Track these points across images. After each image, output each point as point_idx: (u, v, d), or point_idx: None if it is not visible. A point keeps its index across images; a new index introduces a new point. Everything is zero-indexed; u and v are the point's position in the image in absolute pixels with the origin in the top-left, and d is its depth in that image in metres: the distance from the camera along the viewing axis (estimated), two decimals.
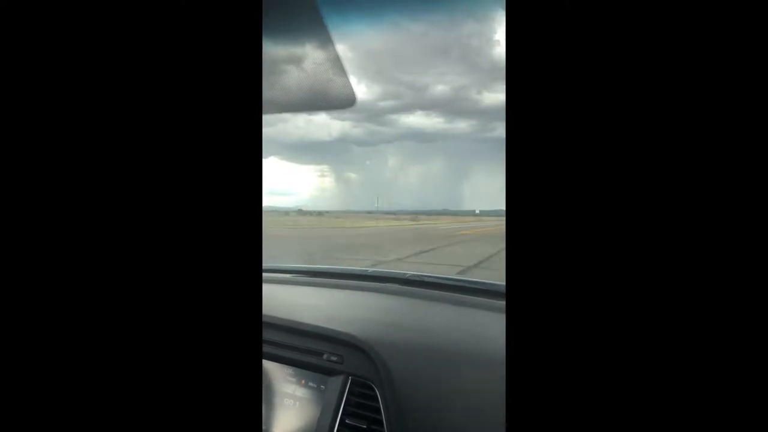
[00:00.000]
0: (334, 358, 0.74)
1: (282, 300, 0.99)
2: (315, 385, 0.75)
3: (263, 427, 0.76)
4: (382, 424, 0.65)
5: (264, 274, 1.20)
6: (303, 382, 0.76)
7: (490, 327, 0.78)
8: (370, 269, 1.17)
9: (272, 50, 0.56)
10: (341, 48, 0.57)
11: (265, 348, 0.82)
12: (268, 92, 0.60)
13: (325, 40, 0.52)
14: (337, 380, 0.72)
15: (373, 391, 0.68)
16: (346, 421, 0.68)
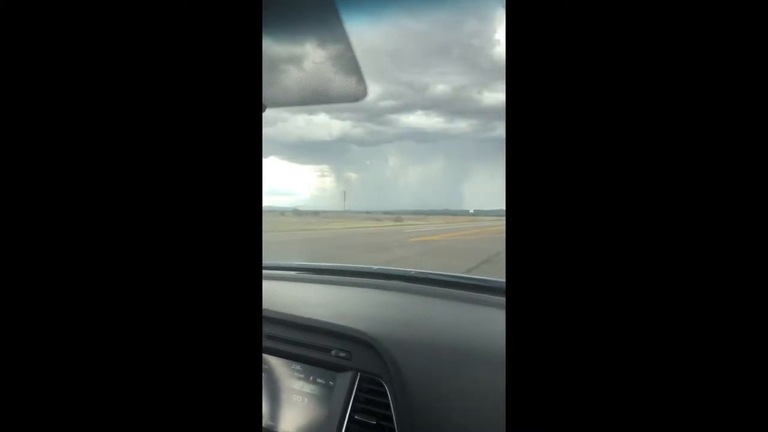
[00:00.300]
0: (342, 354, 0.74)
1: (288, 297, 0.99)
2: (323, 382, 0.74)
3: (271, 424, 0.76)
4: (392, 419, 0.65)
5: (269, 272, 1.21)
6: (311, 378, 0.76)
7: (496, 324, 0.78)
8: (375, 266, 1.17)
9: (282, 44, 0.56)
10: (341, 47, 0.57)
11: (273, 344, 0.82)
12: (279, 85, 0.60)
13: (338, 31, 0.52)
14: (346, 376, 0.72)
15: (382, 387, 0.68)
16: (356, 417, 0.68)
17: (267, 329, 0.84)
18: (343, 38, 0.54)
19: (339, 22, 0.52)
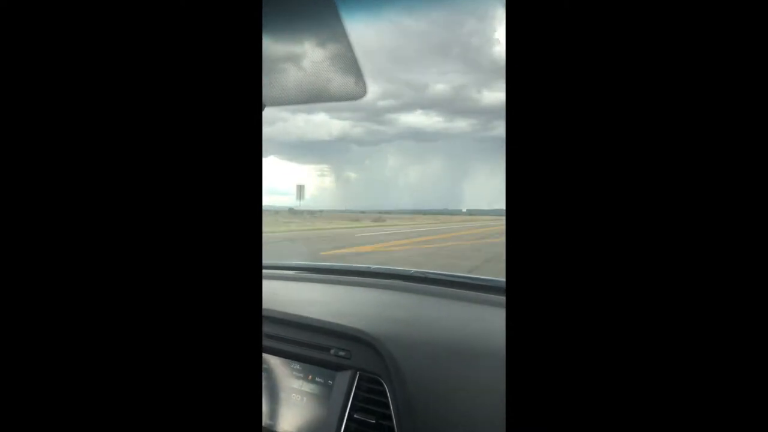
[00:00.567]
0: (341, 353, 0.74)
1: (287, 296, 0.99)
2: (322, 381, 0.74)
3: (271, 423, 0.76)
4: (391, 418, 0.65)
5: (269, 271, 1.21)
6: (310, 377, 0.76)
7: (495, 323, 0.78)
8: (374, 266, 1.17)
9: (283, 43, 0.56)
10: (340, 46, 0.57)
11: (272, 343, 0.82)
12: (278, 84, 0.60)
13: (337, 29, 0.52)
14: (345, 375, 0.72)
15: (382, 385, 0.68)
16: (355, 416, 0.68)
17: (266, 328, 0.84)
18: (342, 37, 0.54)
19: (338, 21, 0.52)
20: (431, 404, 0.63)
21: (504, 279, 0.94)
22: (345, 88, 0.61)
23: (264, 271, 1.23)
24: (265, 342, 0.82)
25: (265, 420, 0.76)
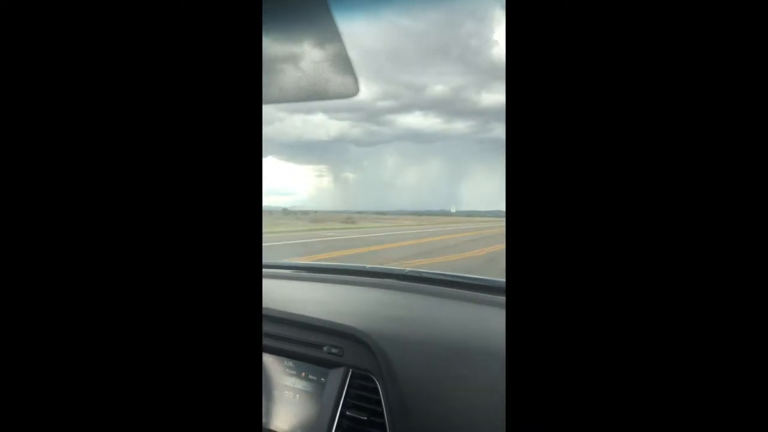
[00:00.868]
0: (334, 351, 0.74)
1: (282, 294, 0.99)
2: (315, 378, 0.75)
3: (264, 420, 0.76)
4: (383, 415, 0.65)
5: (265, 270, 1.21)
6: (303, 374, 0.76)
7: (487, 321, 0.79)
8: (368, 265, 1.17)
9: (276, 41, 0.56)
10: (338, 45, 0.57)
11: (265, 341, 0.82)
12: (274, 83, 0.60)
13: (330, 28, 0.52)
14: (338, 373, 0.72)
15: (374, 383, 0.68)
16: (347, 413, 0.68)
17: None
18: (335, 35, 0.54)
19: (331, 19, 0.52)
20: (423, 401, 0.63)
21: (498, 279, 0.95)
22: (338, 86, 0.61)
23: (264, 270, 1.23)
24: None
25: None
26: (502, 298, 0.86)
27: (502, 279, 0.94)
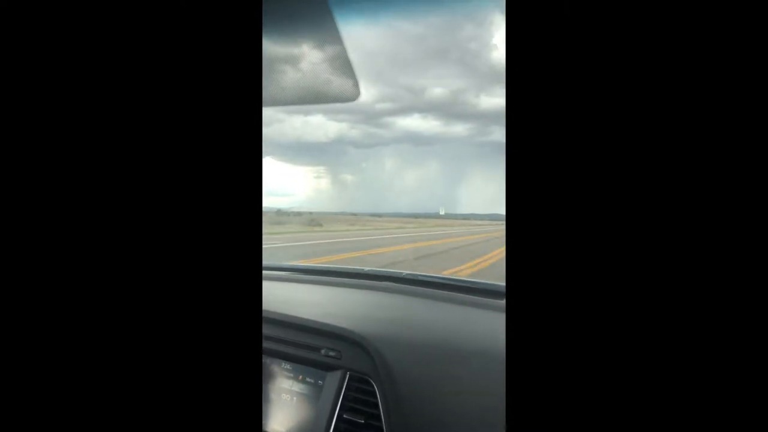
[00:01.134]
0: (332, 353, 0.74)
1: (279, 296, 0.99)
2: (313, 381, 0.75)
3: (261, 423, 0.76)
4: (380, 418, 0.65)
5: (265, 272, 1.20)
6: (300, 377, 0.76)
7: (485, 324, 0.79)
8: (367, 268, 1.17)
9: (278, 44, 0.56)
10: (338, 49, 0.58)
11: (263, 343, 0.82)
12: (276, 85, 0.61)
13: (332, 32, 0.52)
14: (335, 375, 0.72)
15: (371, 386, 0.68)
16: (344, 416, 0.68)
17: None
18: (337, 39, 0.54)
19: (333, 23, 0.52)
20: (420, 404, 0.63)
21: (495, 282, 0.95)
22: (339, 90, 0.62)
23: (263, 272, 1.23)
24: None
25: None
26: (500, 302, 0.86)
27: (500, 283, 0.94)
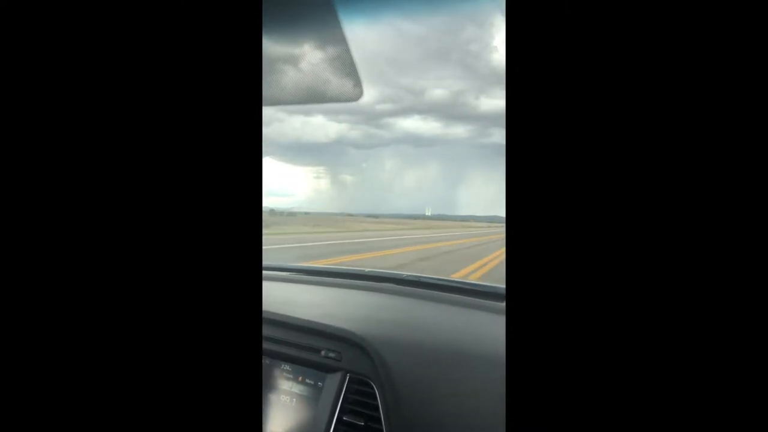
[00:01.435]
0: (332, 355, 0.74)
1: (279, 297, 0.99)
2: (312, 382, 0.74)
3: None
4: (380, 421, 0.65)
5: (265, 272, 1.20)
6: (300, 378, 0.76)
7: (487, 327, 0.79)
8: (367, 269, 1.17)
9: (282, 43, 0.56)
10: (342, 48, 0.58)
11: (263, 344, 0.81)
12: (275, 83, 0.60)
13: (335, 31, 0.52)
14: (335, 377, 0.72)
15: (371, 388, 0.68)
16: (344, 418, 0.68)
17: None
18: (340, 39, 0.54)
19: (337, 23, 0.52)
20: (420, 407, 0.63)
21: (497, 285, 0.95)
22: (342, 90, 0.61)
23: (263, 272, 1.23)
24: None
25: None
26: (501, 304, 0.86)
27: (500, 285, 0.94)
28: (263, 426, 0.74)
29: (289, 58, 0.59)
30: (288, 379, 0.77)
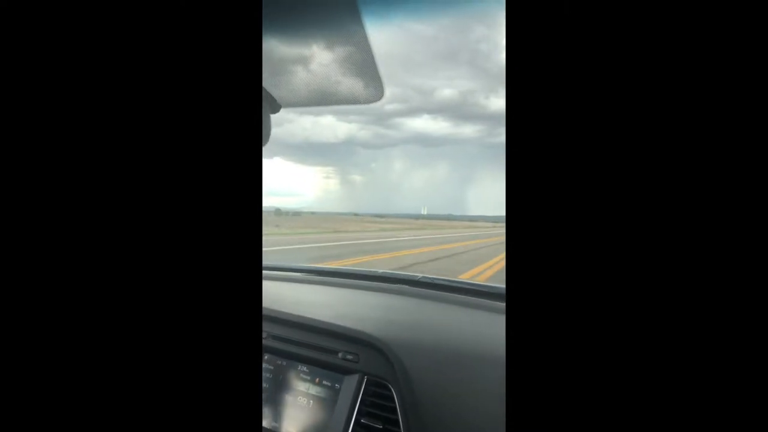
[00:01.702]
0: (349, 357, 0.73)
1: (294, 297, 0.99)
2: (330, 384, 0.74)
3: (276, 425, 0.75)
4: (398, 423, 0.64)
5: (276, 273, 1.21)
6: (317, 380, 0.75)
7: (502, 329, 0.78)
8: (380, 270, 1.17)
9: (300, 44, 0.56)
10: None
11: (280, 345, 0.81)
12: (294, 85, 0.60)
13: (357, 31, 0.52)
14: (353, 379, 0.72)
15: (389, 390, 0.68)
16: (362, 420, 0.67)
17: (274, 330, 0.84)
18: (362, 39, 0.54)
19: (359, 23, 0.51)
20: (439, 410, 0.62)
21: None
22: (363, 91, 0.61)
23: (270, 272, 1.23)
24: (272, 343, 0.82)
25: (270, 422, 0.75)
26: None
27: None
28: (280, 426, 0.74)
29: (310, 60, 0.59)
30: (305, 380, 0.77)
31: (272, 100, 0.61)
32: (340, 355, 0.74)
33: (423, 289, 1.01)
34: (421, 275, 1.09)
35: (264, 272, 1.23)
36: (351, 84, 0.60)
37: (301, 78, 0.62)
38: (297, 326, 0.82)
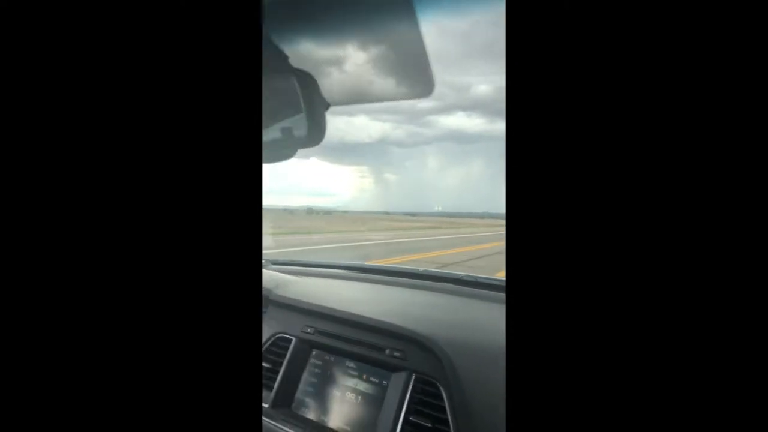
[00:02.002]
0: (396, 354, 0.73)
1: (338, 294, 1.00)
2: (377, 381, 0.74)
3: (324, 419, 0.76)
4: (447, 422, 0.63)
5: (320, 269, 1.23)
6: (365, 376, 0.76)
7: None
8: (422, 268, 1.16)
9: (359, 43, 0.56)
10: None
11: (326, 340, 0.83)
12: (345, 83, 0.61)
13: (412, 27, 0.52)
14: (400, 377, 0.71)
15: (437, 388, 0.67)
16: (410, 418, 0.67)
17: (320, 325, 0.85)
18: (415, 34, 0.53)
19: (415, 20, 0.51)
20: (489, 410, 0.61)
21: None
22: (414, 86, 0.61)
23: (316, 269, 1.25)
24: (320, 339, 0.83)
25: (320, 417, 0.77)
26: None
27: None
28: (327, 420, 0.75)
29: (370, 58, 0.59)
30: (352, 376, 0.77)
31: (322, 99, 0.62)
32: (387, 352, 0.74)
33: (467, 288, 1.00)
34: (464, 274, 1.07)
35: (308, 269, 1.25)
36: (400, 80, 0.60)
37: (348, 76, 0.62)
38: (342, 322, 0.82)
